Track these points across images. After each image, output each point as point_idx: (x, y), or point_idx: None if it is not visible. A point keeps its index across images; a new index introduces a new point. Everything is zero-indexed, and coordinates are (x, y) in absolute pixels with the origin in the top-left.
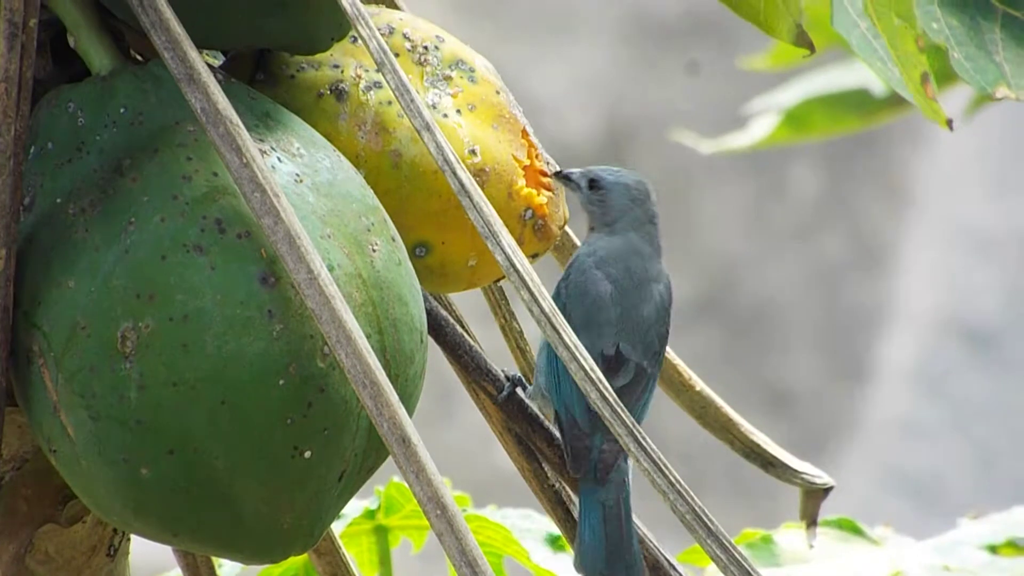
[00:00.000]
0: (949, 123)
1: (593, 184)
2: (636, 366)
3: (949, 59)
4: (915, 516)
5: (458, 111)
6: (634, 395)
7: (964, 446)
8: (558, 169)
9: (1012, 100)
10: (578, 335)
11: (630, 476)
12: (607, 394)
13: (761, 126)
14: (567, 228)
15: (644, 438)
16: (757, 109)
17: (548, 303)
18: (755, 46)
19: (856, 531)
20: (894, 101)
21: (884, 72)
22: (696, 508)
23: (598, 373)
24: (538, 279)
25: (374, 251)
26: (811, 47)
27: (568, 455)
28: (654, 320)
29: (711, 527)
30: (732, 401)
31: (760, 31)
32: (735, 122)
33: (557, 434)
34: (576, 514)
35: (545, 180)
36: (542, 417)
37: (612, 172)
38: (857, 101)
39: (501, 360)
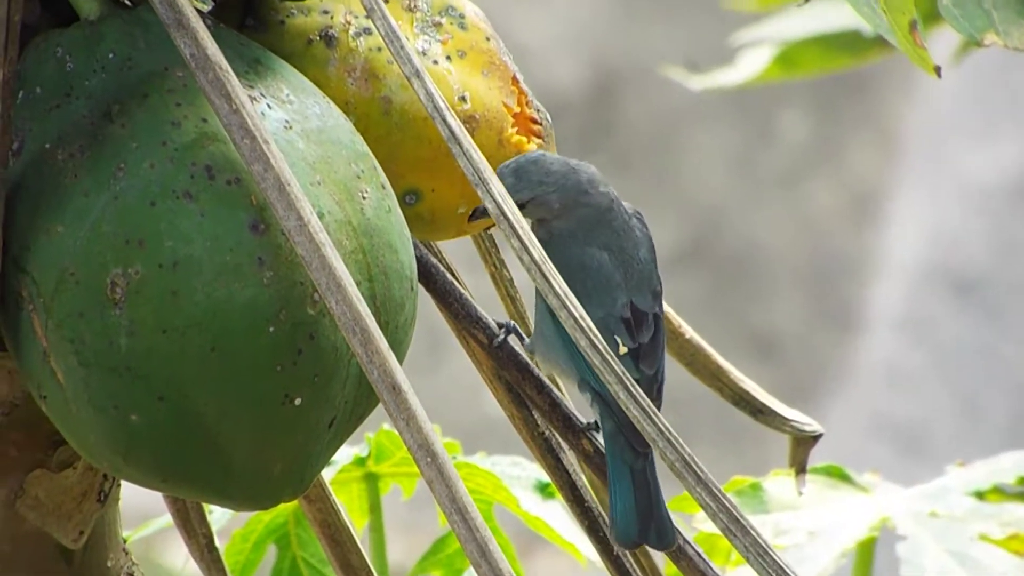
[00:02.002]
0: (937, 71)
1: (521, 205)
2: (653, 317)
3: (938, 6)
4: (900, 463)
5: (448, 58)
6: (658, 345)
7: (950, 394)
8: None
9: (1000, 47)
10: (588, 306)
11: None
12: (596, 341)
13: (751, 63)
14: None
15: (633, 385)
16: (744, 41)
17: (538, 251)
18: None
19: (844, 478)
20: (885, 41)
21: (872, 19)
22: (685, 456)
23: (588, 320)
24: (528, 227)
25: (364, 198)
26: None
27: (628, 432)
28: (650, 260)
29: (700, 475)
30: (718, 348)
31: None
32: (722, 65)
33: (549, 384)
34: (566, 462)
35: (536, 127)
36: (533, 365)
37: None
38: (849, 41)
39: (491, 307)
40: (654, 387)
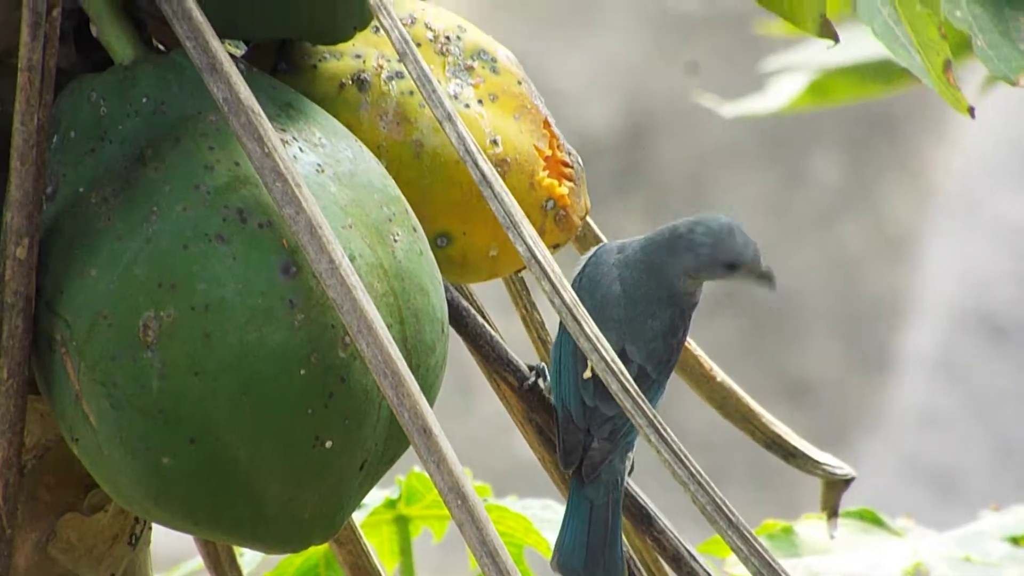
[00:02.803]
0: (970, 111)
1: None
2: (639, 368)
3: (972, 47)
4: (934, 506)
5: (480, 101)
6: None
7: (984, 437)
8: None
9: None
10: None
11: (625, 478)
12: (628, 385)
13: (783, 91)
14: (588, 219)
15: (665, 428)
16: (774, 67)
17: (569, 294)
18: (775, 40)
19: (877, 522)
20: None
21: (906, 59)
22: (717, 499)
23: (619, 364)
24: (559, 270)
25: (395, 241)
26: (836, 38)
27: (560, 449)
28: (661, 333)
29: (732, 518)
30: (751, 391)
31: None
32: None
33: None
34: None
35: (567, 171)
36: None
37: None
38: (882, 69)
39: (522, 351)
40: (605, 426)
